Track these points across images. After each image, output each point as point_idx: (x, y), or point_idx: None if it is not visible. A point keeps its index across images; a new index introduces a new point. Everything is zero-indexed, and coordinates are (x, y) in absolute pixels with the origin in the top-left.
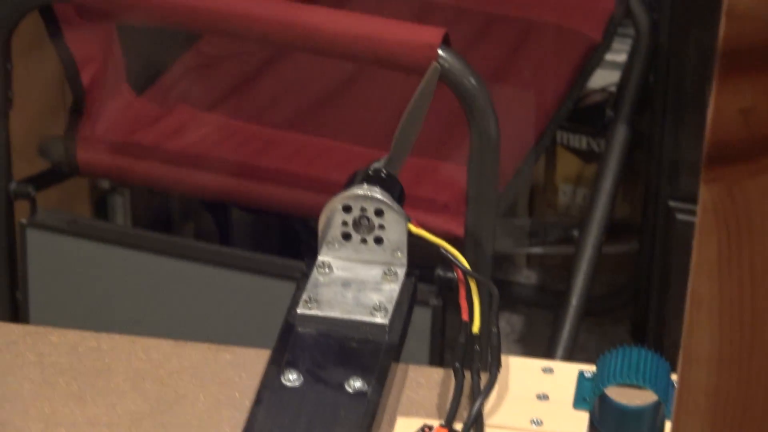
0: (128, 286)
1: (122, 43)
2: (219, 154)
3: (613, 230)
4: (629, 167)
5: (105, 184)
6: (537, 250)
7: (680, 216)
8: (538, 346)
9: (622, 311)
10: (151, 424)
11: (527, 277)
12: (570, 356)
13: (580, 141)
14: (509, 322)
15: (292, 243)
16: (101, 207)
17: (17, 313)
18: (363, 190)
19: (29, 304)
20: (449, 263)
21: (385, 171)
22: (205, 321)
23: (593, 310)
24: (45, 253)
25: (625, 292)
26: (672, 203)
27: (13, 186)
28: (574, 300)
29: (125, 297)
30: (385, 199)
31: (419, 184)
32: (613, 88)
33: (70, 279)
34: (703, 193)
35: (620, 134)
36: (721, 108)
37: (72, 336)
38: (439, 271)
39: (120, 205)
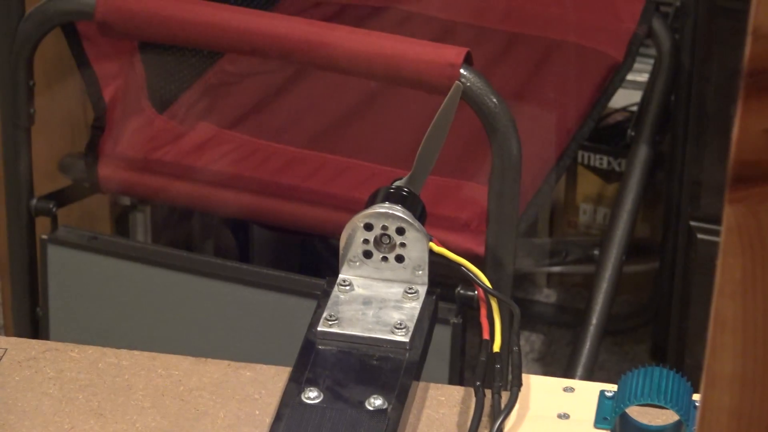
0: (148, 303)
1: (144, 61)
2: (240, 172)
3: (633, 250)
4: (650, 187)
5: (126, 200)
6: (557, 269)
7: (701, 236)
8: (558, 365)
9: (643, 331)
10: None
11: (547, 296)
12: (590, 376)
13: (601, 161)
14: (529, 341)
15: (313, 261)
16: (122, 224)
17: (37, 329)
18: (385, 208)
19: (49, 319)
20: (470, 282)
21: (406, 189)
22: (226, 338)
23: (613, 330)
24: (65, 269)
25: (645, 311)
26: (693, 223)
27: (34, 202)
28: (595, 319)
29: (145, 313)
30: (406, 218)
31: (440, 203)
32: (634, 108)
33: (90, 295)
34: (728, 213)
35: (641, 154)
36: (745, 128)
37: (92, 352)
38: (460, 290)
39: (140, 222)
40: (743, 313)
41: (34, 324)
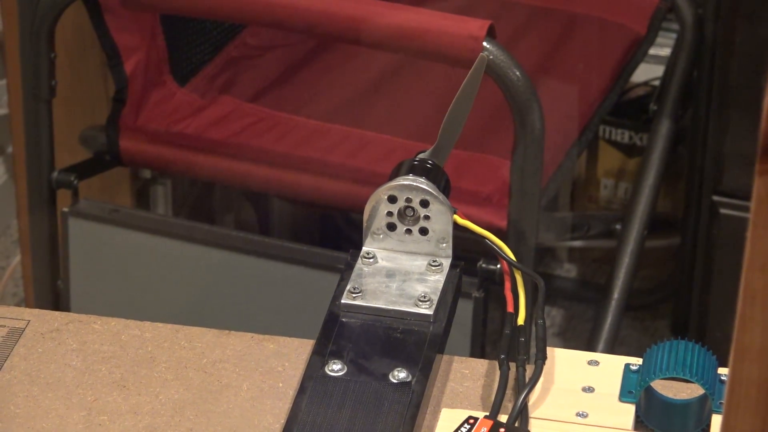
0: (169, 276)
1: (165, 34)
2: (261, 145)
3: (655, 225)
4: (672, 162)
5: (146, 173)
6: (578, 243)
7: (724, 211)
8: (579, 340)
9: (664, 306)
10: (194, 413)
11: (568, 270)
12: (611, 351)
13: (623, 135)
14: (550, 316)
15: (334, 235)
16: (143, 197)
17: (58, 302)
18: (409, 180)
19: (70, 292)
20: (493, 255)
21: (431, 161)
22: (247, 311)
23: (634, 305)
24: (86, 242)
25: (666, 287)
26: (716, 198)
27: (55, 175)
28: (616, 294)
29: (166, 286)
30: (430, 190)
31: (462, 177)
32: (656, 83)
33: (111, 268)
34: (758, 185)
35: (663, 129)
36: None
37: (114, 324)
38: (482, 263)
39: (161, 195)
40: None
41: (54, 297)
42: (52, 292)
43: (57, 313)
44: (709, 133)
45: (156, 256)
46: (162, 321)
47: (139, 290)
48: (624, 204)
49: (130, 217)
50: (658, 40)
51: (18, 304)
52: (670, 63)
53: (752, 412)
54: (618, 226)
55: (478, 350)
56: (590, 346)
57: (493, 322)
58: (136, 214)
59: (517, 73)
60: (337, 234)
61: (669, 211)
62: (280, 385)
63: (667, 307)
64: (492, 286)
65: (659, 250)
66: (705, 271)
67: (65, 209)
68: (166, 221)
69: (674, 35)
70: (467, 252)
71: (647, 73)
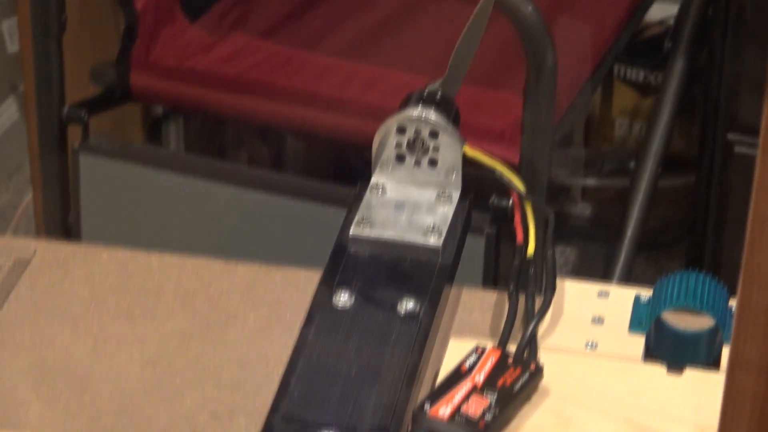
0: (180, 212)
1: None
2: (273, 81)
3: (669, 164)
4: (687, 101)
5: (158, 110)
6: (592, 182)
7: (738, 149)
8: (593, 279)
9: (678, 246)
10: (200, 343)
11: (582, 209)
12: None
13: (638, 74)
14: (563, 255)
15: (346, 172)
16: (154, 133)
17: (69, 239)
18: (418, 111)
19: (81, 228)
20: (505, 191)
21: (440, 93)
22: (258, 247)
23: (648, 244)
24: (97, 179)
25: (680, 226)
26: (730, 136)
27: (65, 111)
28: (629, 232)
29: (177, 223)
30: (440, 121)
31: (475, 113)
32: (671, 21)
33: (122, 204)
34: (767, 111)
35: (678, 67)
36: None
37: (122, 255)
38: (494, 199)
39: (173, 132)
40: None
41: (65, 233)
42: (63, 228)
43: (64, 243)
44: (723, 71)
45: (166, 192)
46: None
47: (149, 226)
48: (639, 143)
49: (141, 153)
50: None
51: None
52: (685, 1)
53: (761, 338)
54: (632, 164)
55: (491, 287)
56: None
57: (506, 259)
58: (147, 150)
59: (529, 8)
60: (350, 171)
61: (684, 150)
62: (288, 315)
63: (681, 246)
64: (504, 223)
65: (674, 189)
66: (719, 210)
67: (76, 145)
68: (176, 157)
69: None
70: (480, 188)
71: (662, 11)
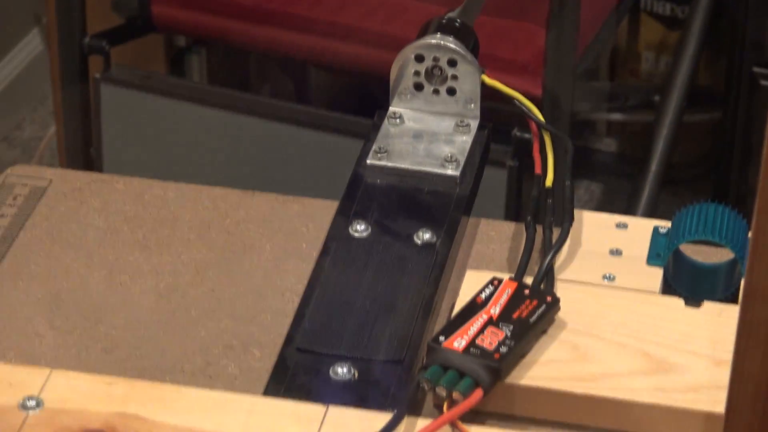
0: (202, 144)
1: None
2: (296, 11)
3: (695, 98)
4: (713, 34)
5: (181, 42)
6: (617, 116)
7: (765, 82)
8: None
9: (704, 181)
10: (216, 273)
11: (607, 144)
12: None
13: (664, 7)
14: (588, 190)
15: (370, 105)
16: (177, 65)
17: (91, 170)
18: (436, 39)
19: (103, 159)
20: (526, 123)
21: (459, 21)
22: (280, 179)
23: (674, 179)
24: (119, 109)
25: (706, 161)
26: (756, 69)
27: (86, 40)
28: (654, 166)
29: (199, 154)
30: (458, 49)
31: (498, 44)
32: None
33: (144, 136)
34: None
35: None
36: None
37: (138, 184)
38: (516, 132)
39: (196, 63)
40: None
41: (87, 165)
42: (84, 159)
43: (80, 172)
44: (749, 4)
45: (188, 123)
46: None
47: (171, 157)
48: (665, 76)
49: (163, 83)
50: None
51: None
52: None
53: None
54: (657, 98)
55: (513, 220)
56: None
57: (529, 192)
58: (169, 81)
59: None
60: (373, 103)
61: (710, 85)
62: (304, 245)
63: (707, 181)
64: (527, 156)
65: (700, 124)
66: (745, 145)
67: (97, 75)
68: (199, 88)
69: None
70: (502, 120)
71: None
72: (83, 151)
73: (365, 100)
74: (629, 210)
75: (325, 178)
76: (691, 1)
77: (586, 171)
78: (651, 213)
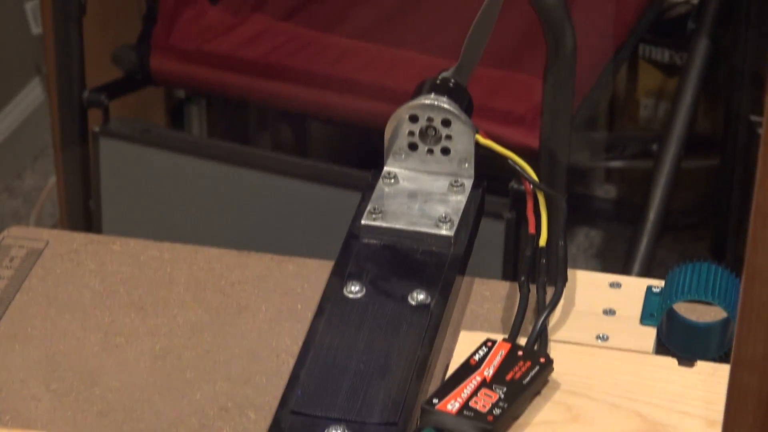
0: (201, 196)
1: None
2: (293, 64)
3: (694, 145)
4: (711, 81)
5: (181, 93)
6: (617, 163)
7: (762, 130)
8: (617, 261)
9: (703, 228)
10: (212, 335)
11: (607, 191)
12: (647, 271)
13: (663, 54)
14: (588, 237)
15: (370, 156)
16: (177, 116)
17: (90, 222)
18: (430, 99)
19: (102, 212)
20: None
21: (453, 80)
22: (279, 233)
23: (673, 226)
24: (118, 162)
25: (705, 207)
26: (753, 117)
27: (86, 94)
28: (652, 215)
29: (198, 206)
30: (452, 109)
31: (495, 96)
32: (696, 0)
33: (143, 188)
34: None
35: (702, 47)
36: None
37: (134, 245)
38: (513, 184)
39: (196, 114)
40: None
41: (86, 217)
42: (84, 212)
43: (76, 234)
44: (747, 52)
45: (187, 176)
46: (192, 240)
47: (170, 211)
48: (664, 124)
49: (161, 136)
50: None
51: (55, 225)
52: None
53: (764, 335)
54: (655, 147)
55: (510, 272)
56: (626, 267)
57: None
58: (167, 134)
59: None
60: (373, 155)
61: (708, 132)
62: (299, 306)
63: (706, 228)
64: (524, 207)
65: (699, 171)
66: (743, 192)
67: (96, 128)
68: (196, 141)
69: None
70: (500, 172)
71: None
72: (83, 204)
73: (364, 151)
74: (628, 258)
75: (324, 230)
76: (689, 49)
77: (586, 217)
78: (649, 262)
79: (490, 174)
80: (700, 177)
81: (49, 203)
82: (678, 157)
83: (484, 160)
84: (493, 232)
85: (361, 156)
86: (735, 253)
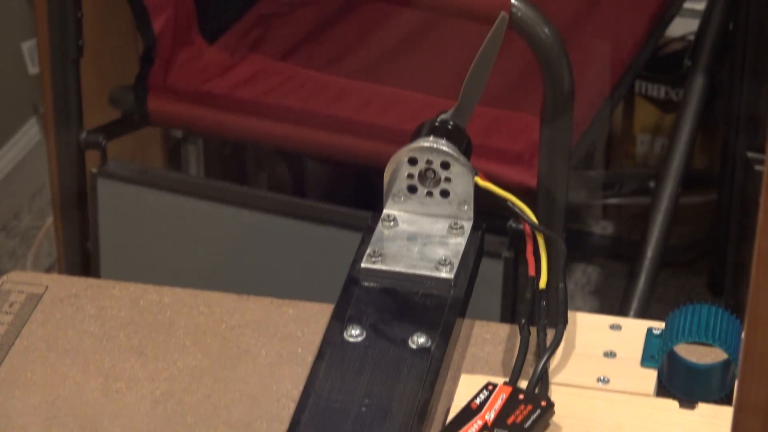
0: (199, 236)
1: None
2: (291, 104)
3: (691, 181)
4: (708, 117)
5: (178, 133)
6: (614, 200)
7: (759, 167)
8: (615, 298)
9: (701, 264)
10: (212, 380)
11: (604, 228)
12: (646, 308)
13: (659, 91)
14: (585, 273)
15: (368, 195)
16: (175, 156)
17: (88, 264)
18: (429, 142)
19: (100, 254)
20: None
21: (452, 122)
22: (279, 273)
23: (671, 262)
24: (116, 203)
25: (703, 243)
26: (750, 154)
27: (83, 135)
28: (650, 252)
29: (196, 246)
30: (451, 152)
31: (493, 135)
32: (692, 37)
33: (141, 229)
34: None
35: (698, 84)
36: None
37: (133, 289)
38: (512, 223)
39: (193, 155)
40: None
41: (84, 258)
42: (81, 253)
43: (75, 278)
44: (744, 88)
45: (185, 216)
46: (192, 282)
47: (169, 251)
48: (661, 160)
49: (159, 177)
50: None
51: (52, 265)
52: (705, 16)
53: (767, 381)
54: (652, 184)
55: (509, 311)
56: (624, 305)
57: (526, 282)
58: (164, 175)
59: (546, 30)
60: (372, 193)
61: (706, 167)
62: (299, 350)
63: (705, 264)
64: (523, 246)
65: (696, 207)
66: (740, 229)
67: (94, 170)
68: (194, 181)
69: None
70: (500, 210)
71: (684, 27)
72: (80, 244)
73: (362, 190)
74: (625, 297)
75: (322, 271)
76: (685, 85)
77: (583, 254)
78: (647, 299)
79: (488, 212)
80: (698, 213)
81: (47, 243)
82: (675, 194)
83: (482, 198)
84: (491, 271)
85: (359, 195)
86: (733, 289)
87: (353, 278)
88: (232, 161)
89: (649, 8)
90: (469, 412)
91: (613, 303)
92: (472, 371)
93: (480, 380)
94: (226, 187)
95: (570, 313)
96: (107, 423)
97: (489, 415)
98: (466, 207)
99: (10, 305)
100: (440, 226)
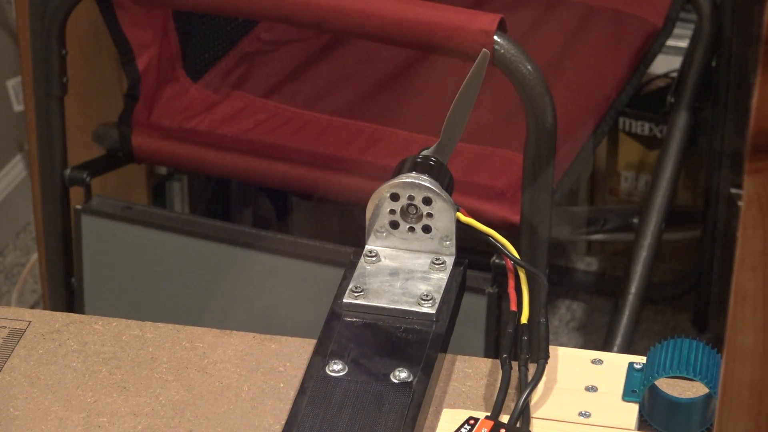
0: (183, 273)
1: (178, 29)
2: (275, 141)
3: (675, 217)
4: (691, 154)
5: (162, 170)
6: (598, 237)
7: (741, 203)
8: (599, 333)
9: (685, 300)
10: (194, 415)
11: (588, 264)
12: (629, 343)
13: (643, 127)
14: (570, 309)
15: (352, 231)
16: (159, 193)
17: (72, 300)
18: (411, 177)
19: (84, 290)
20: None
21: (434, 158)
22: (262, 309)
23: (655, 298)
24: (100, 240)
25: (687, 280)
26: (734, 191)
27: (68, 172)
28: (634, 288)
29: (180, 283)
30: (433, 187)
31: (476, 171)
32: (675, 74)
33: (125, 266)
34: (747, 184)
35: (681, 121)
36: (765, 97)
37: (116, 324)
38: (495, 259)
39: (177, 191)
40: (764, 286)
41: (69, 294)
42: (66, 289)
43: (58, 313)
44: (726, 125)
45: (169, 253)
46: (174, 316)
47: (153, 288)
48: (645, 196)
49: (143, 214)
50: (676, 31)
51: (37, 302)
52: (688, 54)
53: (745, 414)
54: (635, 220)
55: (493, 346)
56: (608, 340)
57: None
58: (148, 211)
59: (529, 67)
60: (356, 229)
61: (690, 204)
62: (281, 385)
63: (688, 300)
64: (506, 282)
65: (681, 243)
66: (724, 265)
67: (78, 206)
68: (177, 218)
69: (692, 26)
70: (484, 246)
71: (667, 64)
72: (65, 281)
73: (346, 227)
74: (609, 333)
75: (306, 306)
76: (668, 122)
77: (567, 290)
78: (631, 335)
79: (471, 248)
80: (681, 249)
81: (31, 280)
82: (659, 230)
83: (466, 234)
84: (475, 306)
85: (343, 231)
86: (717, 325)
87: (335, 313)
88: (216, 198)
89: (633, 45)
90: None
91: (598, 339)
92: (453, 405)
93: (462, 415)
94: (209, 223)
95: (551, 348)
96: None
97: None
98: (448, 242)
99: None
100: (422, 261)
